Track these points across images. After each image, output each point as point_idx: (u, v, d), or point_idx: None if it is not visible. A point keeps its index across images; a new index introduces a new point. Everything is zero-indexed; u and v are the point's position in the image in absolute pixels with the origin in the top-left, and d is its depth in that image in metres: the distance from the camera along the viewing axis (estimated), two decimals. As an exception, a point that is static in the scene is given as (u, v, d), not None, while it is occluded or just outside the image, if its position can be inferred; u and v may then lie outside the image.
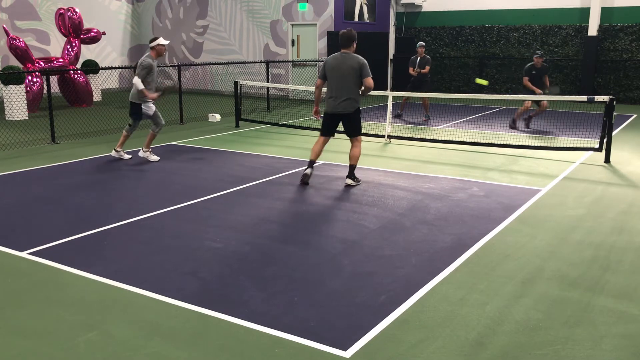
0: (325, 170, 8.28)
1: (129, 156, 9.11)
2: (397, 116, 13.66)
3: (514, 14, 17.64)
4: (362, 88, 7.28)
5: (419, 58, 13.11)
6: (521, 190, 7.28)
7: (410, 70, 13.20)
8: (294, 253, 5.14)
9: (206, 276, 4.64)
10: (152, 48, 8.66)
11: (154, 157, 8.91)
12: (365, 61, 7.12)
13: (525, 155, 9.37)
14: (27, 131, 11.44)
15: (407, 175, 8.07)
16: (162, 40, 8.71)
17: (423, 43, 13.22)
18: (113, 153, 9.16)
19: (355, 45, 7.33)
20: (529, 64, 11.60)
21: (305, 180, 7.48)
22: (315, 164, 7.90)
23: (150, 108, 8.71)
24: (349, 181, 7.43)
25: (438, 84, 18.88)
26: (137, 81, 8.48)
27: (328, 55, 16.68)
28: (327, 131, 7.57)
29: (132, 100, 8.77)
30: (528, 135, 11.24)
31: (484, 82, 8.08)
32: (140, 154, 8.96)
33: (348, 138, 7.55)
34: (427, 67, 13.03)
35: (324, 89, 7.58)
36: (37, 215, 6.19)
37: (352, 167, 7.44)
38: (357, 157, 7.42)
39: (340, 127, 7.58)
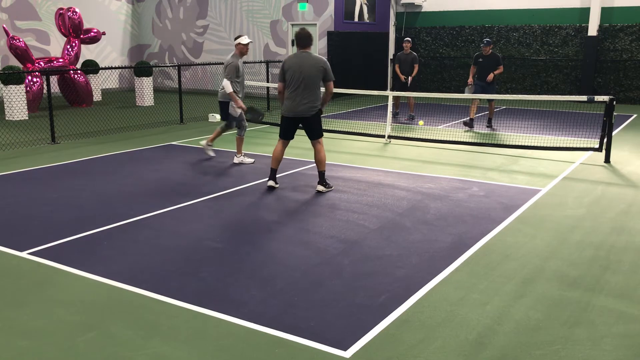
0: (325, 171, 8.26)
1: (214, 154, 9.10)
2: (395, 115, 13.68)
3: (514, 14, 17.63)
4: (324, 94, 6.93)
5: (404, 55, 13.06)
6: (521, 190, 7.28)
7: (396, 69, 13.14)
8: (293, 253, 5.14)
9: (206, 276, 4.64)
10: (235, 46, 8.26)
11: (249, 160, 8.67)
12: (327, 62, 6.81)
13: (525, 155, 9.36)
14: (27, 131, 11.43)
15: (407, 175, 8.07)
16: (243, 40, 8.25)
17: (409, 38, 13.15)
18: (203, 143, 9.06)
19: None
20: None
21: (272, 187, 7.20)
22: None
23: (236, 110, 8.35)
24: (321, 188, 7.06)
25: (438, 84, 18.89)
26: (227, 84, 8.09)
27: (328, 56, 16.71)
28: (288, 135, 7.13)
29: (220, 100, 8.42)
30: (528, 135, 11.24)
31: None
32: (235, 160, 8.66)
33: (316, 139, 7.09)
34: (416, 66, 12.97)
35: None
36: (37, 215, 6.19)
37: (322, 173, 7.08)
38: (325, 161, 7.08)
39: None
